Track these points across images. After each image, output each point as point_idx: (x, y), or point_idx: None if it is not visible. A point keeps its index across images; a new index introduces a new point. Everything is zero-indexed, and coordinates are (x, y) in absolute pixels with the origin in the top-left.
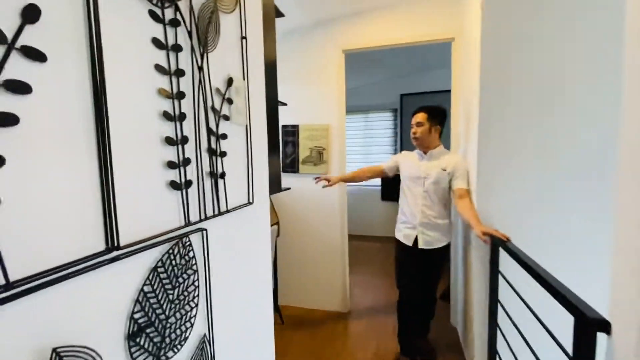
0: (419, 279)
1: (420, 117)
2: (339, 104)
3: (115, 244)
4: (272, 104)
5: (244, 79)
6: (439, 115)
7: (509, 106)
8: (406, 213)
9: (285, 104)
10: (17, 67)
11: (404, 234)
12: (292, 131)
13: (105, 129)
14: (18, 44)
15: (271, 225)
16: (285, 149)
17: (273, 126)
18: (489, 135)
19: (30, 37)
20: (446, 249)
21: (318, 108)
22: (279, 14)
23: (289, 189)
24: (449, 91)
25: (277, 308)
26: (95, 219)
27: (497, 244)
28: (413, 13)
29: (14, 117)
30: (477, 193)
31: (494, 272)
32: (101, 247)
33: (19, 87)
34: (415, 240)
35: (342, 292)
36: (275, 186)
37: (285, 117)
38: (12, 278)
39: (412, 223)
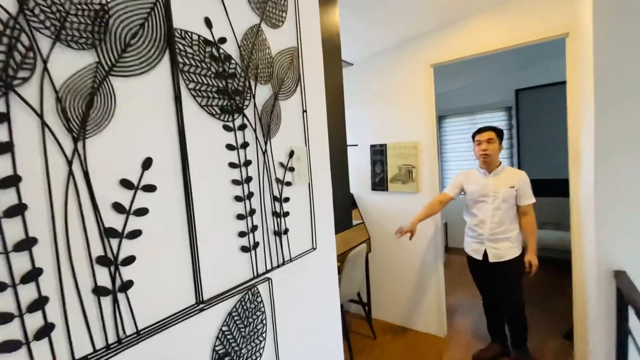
0: (496, 287)
1: (491, 134)
2: (428, 121)
3: (201, 299)
4: (341, 147)
5: (305, 145)
6: (502, 134)
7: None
8: (474, 229)
9: (355, 145)
10: (140, 199)
11: (472, 248)
12: (381, 150)
13: (192, 218)
14: (141, 185)
15: (362, 242)
16: (374, 168)
17: (341, 168)
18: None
19: (145, 177)
20: (519, 260)
21: (406, 126)
22: (347, 64)
23: (361, 223)
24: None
25: (369, 321)
26: (188, 282)
27: (627, 301)
28: (512, 12)
29: (139, 231)
30: (595, 219)
31: (622, 335)
32: (192, 301)
33: (141, 211)
34: (485, 254)
35: (438, 314)
36: (344, 223)
37: (373, 136)
38: (139, 327)
39: (481, 239)
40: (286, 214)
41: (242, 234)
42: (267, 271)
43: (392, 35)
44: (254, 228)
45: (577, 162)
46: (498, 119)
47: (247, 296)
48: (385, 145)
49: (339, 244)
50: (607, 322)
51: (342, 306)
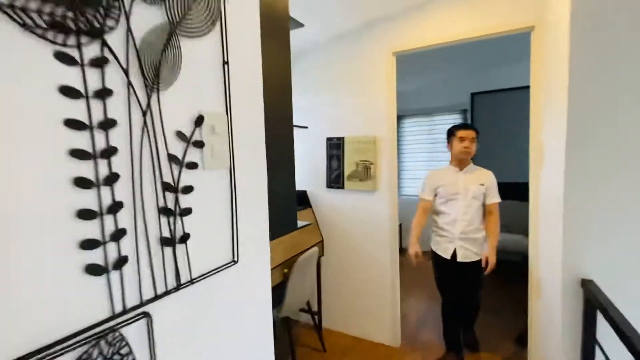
0: (459, 288)
1: (474, 133)
2: (389, 114)
3: None
4: (284, 126)
5: (226, 112)
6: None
7: (611, 109)
8: (444, 227)
9: (305, 127)
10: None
11: (442, 247)
12: (338, 144)
13: None
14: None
15: (313, 245)
16: (330, 163)
17: (284, 153)
18: (581, 147)
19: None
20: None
21: (364, 118)
22: (297, 24)
23: (309, 224)
24: (527, 87)
25: (319, 332)
26: None
27: (595, 306)
28: (479, 2)
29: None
30: (563, 225)
31: (589, 343)
32: None
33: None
34: (454, 254)
35: (392, 323)
36: (287, 224)
37: (330, 129)
38: None
39: (451, 237)
40: (185, 211)
41: (90, 244)
42: (144, 303)
43: (355, 17)
44: (118, 234)
45: (538, 165)
46: (454, 122)
47: (96, 349)
48: (343, 138)
49: (286, 248)
50: (571, 331)
51: (287, 318)
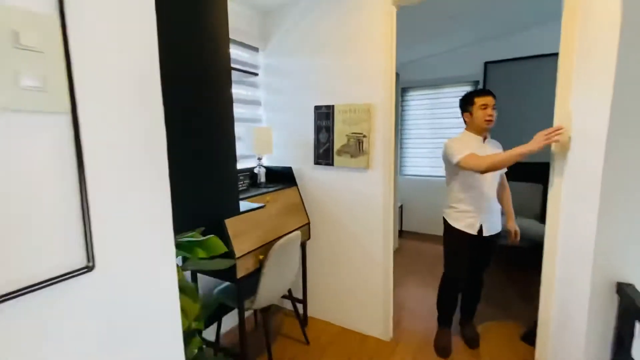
0: (469, 265)
1: (494, 100)
2: (386, 77)
3: None
4: (216, 72)
5: (59, 15)
6: None
7: None
8: (469, 201)
9: (255, 74)
10: None
11: (466, 223)
12: (327, 113)
13: None
14: None
15: (298, 229)
16: (317, 136)
17: (222, 113)
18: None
19: None
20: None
21: (359, 83)
22: None
23: (261, 207)
24: (551, 55)
25: (303, 323)
26: None
27: (635, 316)
28: None
29: None
30: (599, 215)
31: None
32: None
33: None
34: (480, 229)
35: (384, 315)
36: (221, 210)
37: (318, 96)
38: None
39: (476, 212)
40: None
41: None
42: None
43: None
44: None
45: (564, 145)
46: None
47: None
48: (333, 107)
49: (262, 231)
50: (599, 343)
51: (266, 308)
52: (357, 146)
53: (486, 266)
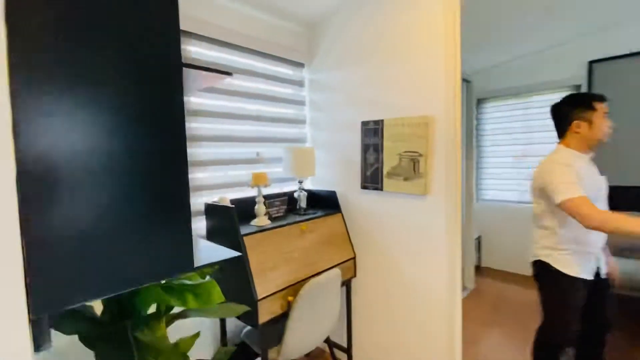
0: (600, 312)
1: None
2: (449, 85)
3: None
4: (161, 68)
5: None
6: None
7: None
8: (584, 239)
9: (229, 74)
10: None
11: (583, 267)
12: (375, 129)
13: None
14: None
15: (343, 262)
16: (365, 155)
17: (168, 119)
18: None
19: None
20: None
21: (411, 93)
22: None
23: (238, 256)
24: None
25: None
26: None
27: None
28: None
29: None
30: None
31: None
32: None
33: None
34: (597, 272)
35: None
36: (163, 264)
37: (366, 109)
38: None
39: (592, 251)
40: None
41: None
42: None
43: None
44: None
45: None
46: None
47: None
48: (382, 122)
49: (295, 266)
50: None
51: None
52: (412, 167)
53: (610, 320)
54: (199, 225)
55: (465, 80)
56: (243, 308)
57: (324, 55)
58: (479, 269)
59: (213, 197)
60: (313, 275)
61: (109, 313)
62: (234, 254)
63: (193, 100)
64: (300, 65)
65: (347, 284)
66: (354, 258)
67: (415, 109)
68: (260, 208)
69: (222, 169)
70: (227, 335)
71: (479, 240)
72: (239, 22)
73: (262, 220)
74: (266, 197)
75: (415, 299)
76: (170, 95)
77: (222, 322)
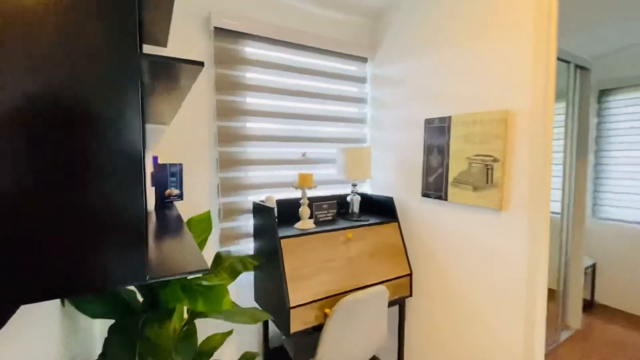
0: None
1: None
2: (539, 69)
3: None
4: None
5: None
6: None
7: None
8: None
9: (199, 64)
10: None
11: None
12: (441, 128)
13: None
14: None
15: (395, 279)
16: (427, 158)
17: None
18: None
19: None
20: None
21: (486, 83)
22: None
23: (207, 271)
24: None
25: None
26: None
27: None
28: None
29: None
30: None
31: None
32: None
33: None
34: None
35: None
36: (105, 274)
37: (431, 106)
38: None
39: None
40: None
41: None
42: None
43: None
44: None
45: None
46: None
47: None
48: (449, 119)
49: (339, 275)
50: None
51: None
52: (484, 175)
53: None
54: (248, 223)
55: (580, 67)
56: (263, 316)
57: (388, 46)
58: (590, 306)
59: (265, 196)
60: (356, 289)
61: (144, 303)
62: (201, 268)
63: (249, 100)
64: (362, 60)
65: (400, 303)
66: (410, 275)
67: (492, 101)
68: (304, 210)
69: (275, 168)
70: (270, 336)
71: (593, 269)
72: (298, 19)
73: (305, 224)
74: (314, 199)
75: (482, 335)
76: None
77: (265, 323)
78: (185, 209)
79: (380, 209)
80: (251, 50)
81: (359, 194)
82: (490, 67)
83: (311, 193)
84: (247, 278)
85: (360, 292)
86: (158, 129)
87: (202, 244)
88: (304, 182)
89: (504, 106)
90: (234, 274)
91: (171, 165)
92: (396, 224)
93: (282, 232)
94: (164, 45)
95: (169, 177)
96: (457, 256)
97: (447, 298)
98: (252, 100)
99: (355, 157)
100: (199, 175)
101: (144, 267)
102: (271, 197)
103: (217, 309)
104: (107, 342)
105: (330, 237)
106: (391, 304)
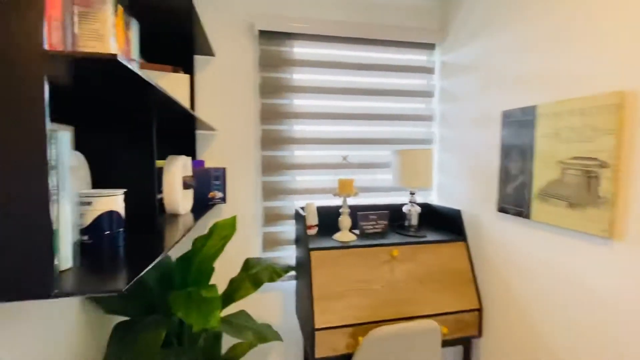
0: None
1: None
2: None
3: None
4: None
5: None
6: None
7: None
8: None
9: (108, 56)
10: None
11: None
12: (522, 122)
13: None
14: None
15: (458, 312)
16: (505, 163)
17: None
18: None
19: None
20: None
21: (593, 53)
22: None
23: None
24: None
25: None
26: None
27: None
28: None
29: None
30: None
31: None
32: None
33: None
34: None
35: None
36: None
37: (510, 94)
38: None
39: None
40: None
41: None
42: None
43: None
44: None
45: None
46: None
47: None
48: (534, 109)
49: (382, 301)
50: None
51: None
52: (585, 186)
53: None
54: (289, 229)
55: None
56: (273, 337)
57: (460, 26)
58: None
59: (316, 202)
60: (397, 319)
61: (153, 307)
62: (114, 288)
63: (296, 102)
64: (429, 47)
65: (465, 345)
66: (480, 310)
67: (598, 81)
68: (343, 220)
69: (323, 172)
70: None
71: None
72: (353, 10)
73: (344, 235)
74: (361, 208)
75: None
76: None
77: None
78: (228, 212)
79: (444, 224)
80: (300, 50)
81: (419, 204)
82: (597, 29)
83: (361, 200)
84: (293, 286)
85: (402, 325)
86: (207, 135)
87: (220, 249)
88: (344, 189)
89: (619, 86)
90: (257, 284)
91: (214, 169)
92: (463, 244)
93: (317, 243)
94: (212, 54)
95: (212, 180)
96: (547, 295)
97: (528, 344)
98: (299, 102)
99: (412, 161)
100: (243, 179)
101: (50, 282)
102: (311, 204)
103: (203, 324)
104: (109, 340)
105: (371, 253)
106: (451, 343)
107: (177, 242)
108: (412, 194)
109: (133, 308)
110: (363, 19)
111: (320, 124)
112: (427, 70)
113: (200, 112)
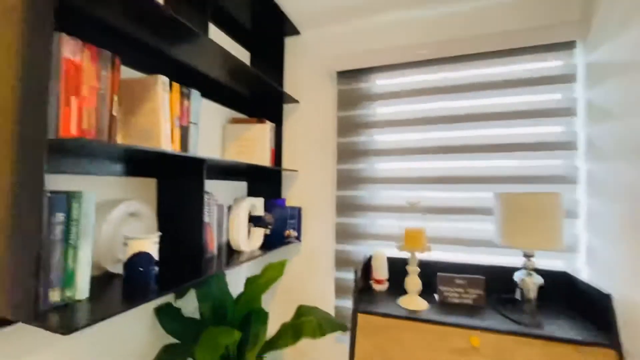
0: None
1: None
2: None
3: None
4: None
5: None
6: None
7: None
8: None
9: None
10: None
11: None
12: None
13: None
14: None
15: None
16: None
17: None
18: None
19: None
20: None
21: None
22: None
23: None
24: None
25: None
26: None
27: None
28: None
29: None
30: None
31: None
32: None
33: None
34: None
35: None
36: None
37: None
38: None
39: None
40: None
41: None
42: None
43: None
44: None
45: None
46: None
47: None
48: None
49: None
50: None
51: None
52: None
53: None
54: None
55: None
56: None
57: (611, 6)
58: None
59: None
60: None
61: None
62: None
63: (378, 139)
64: (567, 47)
65: None
66: None
67: None
68: (410, 281)
69: (412, 216)
70: None
71: None
72: (449, 22)
73: (410, 301)
74: (445, 266)
75: None
76: None
77: None
78: (302, 251)
79: (583, 312)
80: (382, 82)
81: (545, 271)
82: None
83: (453, 257)
84: None
85: None
86: (291, 175)
87: (262, 289)
88: (410, 242)
89: None
90: (297, 337)
91: (291, 208)
92: (612, 352)
93: (375, 304)
94: (297, 101)
95: (288, 219)
96: None
97: None
98: (382, 138)
99: (518, 210)
100: (318, 219)
101: (34, 309)
102: (380, 252)
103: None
104: (155, 358)
105: (441, 333)
106: None
107: (199, 280)
108: (527, 257)
109: (186, 335)
110: (461, 33)
111: (406, 160)
112: (564, 79)
113: (287, 155)
